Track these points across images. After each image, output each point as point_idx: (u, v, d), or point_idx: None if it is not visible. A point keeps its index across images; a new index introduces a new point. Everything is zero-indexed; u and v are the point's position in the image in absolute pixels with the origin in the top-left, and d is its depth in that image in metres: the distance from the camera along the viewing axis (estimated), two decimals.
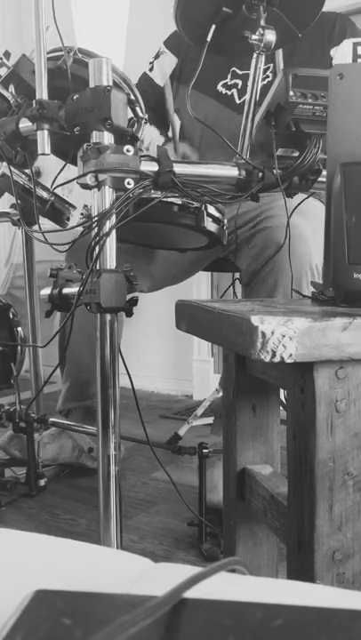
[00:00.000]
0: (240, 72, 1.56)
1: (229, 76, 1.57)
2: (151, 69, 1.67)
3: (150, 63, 1.68)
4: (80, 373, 1.60)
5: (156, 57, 1.67)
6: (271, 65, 1.44)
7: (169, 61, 1.64)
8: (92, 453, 1.61)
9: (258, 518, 0.80)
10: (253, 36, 1.14)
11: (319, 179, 1.02)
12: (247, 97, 1.24)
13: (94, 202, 0.93)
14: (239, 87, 1.56)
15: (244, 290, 1.39)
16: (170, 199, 1.08)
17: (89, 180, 0.91)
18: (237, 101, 1.56)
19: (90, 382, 1.61)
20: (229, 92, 1.57)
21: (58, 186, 1.08)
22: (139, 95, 1.07)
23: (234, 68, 1.56)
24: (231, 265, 1.55)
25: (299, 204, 1.10)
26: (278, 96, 0.93)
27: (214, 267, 1.75)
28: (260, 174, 1.01)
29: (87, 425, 1.62)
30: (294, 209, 1.06)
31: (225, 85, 1.58)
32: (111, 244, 0.93)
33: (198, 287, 2.52)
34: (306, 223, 1.24)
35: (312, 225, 1.28)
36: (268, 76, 1.47)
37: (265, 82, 1.33)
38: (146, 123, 1.11)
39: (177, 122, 1.62)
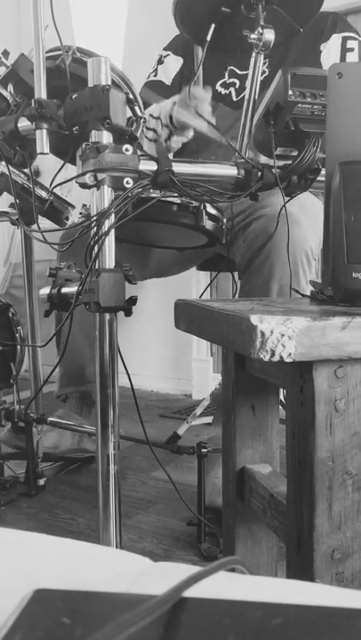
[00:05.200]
0: (239, 72, 1.56)
1: (227, 75, 1.57)
2: (155, 74, 1.66)
3: (154, 70, 1.67)
4: (74, 358, 1.60)
5: (160, 62, 1.67)
6: (268, 60, 1.44)
7: (175, 61, 1.64)
8: (92, 437, 1.61)
9: (257, 517, 0.80)
10: (252, 35, 1.14)
11: (318, 178, 1.02)
12: (246, 96, 1.24)
13: (93, 201, 0.93)
14: (237, 86, 1.56)
15: (240, 278, 1.39)
16: (169, 198, 1.08)
17: (88, 179, 0.91)
18: (235, 99, 1.56)
19: (84, 367, 1.61)
20: (227, 91, 1.57)
21: (57, 185, 1.08)
22: (137, 94, 1.07)
23: (232, 67, 1.57)
24: (226, 264, 1.55)
25: (294, 196, 1.10)
26: (277, 95, 0.93)
27: (210, 266, 1.74)
28: (260, 173, 1.01)
29: (85, 411, 1.63)
30: (290, 199, 1.06)
31: (223, 84, 1.58)
32: (110, 243, 0.93)
33: (198, 286, 2.52)
34: (300, 209, 1.24)
35: (307, 212, 1.27)
36: (265, 72, 1.47)
37: (262, 77, 1.33)
38: (145, 122, 1.11)
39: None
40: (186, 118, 1.35)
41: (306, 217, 1.26)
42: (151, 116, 1.47)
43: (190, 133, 1.45)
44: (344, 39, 1.48)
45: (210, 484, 1.31)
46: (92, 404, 1.65)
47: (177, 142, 1.49)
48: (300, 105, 0.92)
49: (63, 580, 0.29)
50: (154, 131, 1.46)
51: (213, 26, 1.20)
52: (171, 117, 1.42)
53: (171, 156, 1.57)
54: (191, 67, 1.59)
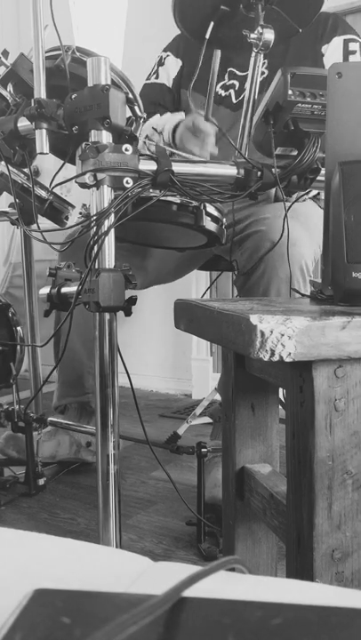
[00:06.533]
0: (238, 73, 1.56)
1: (227, 77, 1.57)
2: (157, 77, 1.66)
3: (154, 72, 1.67)
4: (74, 369, 1.60)
5: (161, 64, 1.67)
6: (267, 60, 1.44)
7: (174, 63, 1.64)
8: (90, 447, 1.61)
9: (257, 517, 0.80)
10: (252, 35, 1.14)
11: (318, 177, 1.02)
12: (246, 96, 1.24)
13: (93, 201, 0.93)
14: (236, 88, 1.56)
15: (239, 293, 1.39)
16: (169, 198, 1.08)
17: (87, 179, 0.91)
18: (234, 101, 1.56)
19: (83, 377, 1.60)
20: (226, 93, 1.57)
21: (56, 185, 1.08)
22: (137, 94, 1.07)
23: (231, 69, 1.57)
24: (226, 263, 1.55)
25: (293, 203, 1.10)
26: (277, 95, 0.93)
27: (209, 265, 1.75)
28: (259, 173, 1.01)
29: (83, 421, 1.62)
30: (289, 207, 1.06)
31: (223, 87, 1.58)
32: (110, 243, 0.93)
33: (197, 286, 2.52)
34: (297, 225, 1.25)
35: (304, 226, 1.28)
36: (263, 72, 1.47)
37: (261, 77, 1.33)
38: (145, 122, 1.11)
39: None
40: (190, 146, 1.36)
41: (305, 234, 1.27)
42: (155, 129, 1.47)
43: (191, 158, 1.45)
44: (346, 42, 1.48)
45: (211, 480, 1.31)
46: (90, 414, 1.64)
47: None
48: (299, 105, 0.92)
49: (63, 580, 0.29)
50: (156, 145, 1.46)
51: (212, 23, 1.20)
52: (174, 137, 1.43)
53: (164, 148, 1.58)
54: (191, 68, 1.58)
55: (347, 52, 1.47)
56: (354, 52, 1.47)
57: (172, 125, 1.44)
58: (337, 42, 1.49)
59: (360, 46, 1.47)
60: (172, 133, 1.44)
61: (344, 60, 1.47)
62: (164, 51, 1.67)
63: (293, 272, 1.23)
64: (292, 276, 1.20)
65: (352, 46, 1.47)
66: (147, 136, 1.47)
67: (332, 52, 1.49)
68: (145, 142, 1.35)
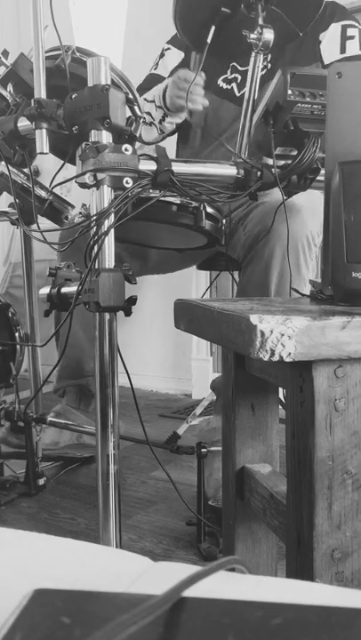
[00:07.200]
0: (240, 68, 1.56)
1: (229, 71, 1.58)
2: (156, 68, 1.67)
3: (155, 64, 1.68)
4: (73, 352, 1.61)
5: (161, 56, 1.67)
6: (269, 56, 1.43)
7: (176, 55, 1.64)
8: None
9: (257, 517, 0.80)
10: (252, 35, 1.14)
11: (318, 177, 1.02)
12: (246, 96, 1.24)
13: (93, 201, 0.93)
14: (238, 81, 1.56)
15: (240, 271, 1.38)
16: (168, 198, 1.08)
17: (87, 179, 0.91)
18: (237, 94, 1.56)
19: (83, 361, 1.62)
20: (229, 86, 1.57)
21: (56, 185, 1.08)
22: (137, 94, 1.07)
23: (234, 64, 1.57)
24: (226, 263, 1.55)
25: (286, 199, 1.10)
26: (277, 95, 0.93)
27: (209, 265, 1.75)
28: (259, 173, 1.01)
29: (83, 404, 1.64)
30: (282, 202, 1.06)
31: (225, 80, 1.58)
32: (110, 243, 0.93)
33: (197, 286, 2.52)
34: (301, 196, 1.23)
35: (309, 200, 1.26)
36: (266, 67, 1.47)
37: (263, 72, 1.33)
38: (145, 122, 1.11)
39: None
40: (180, 101, 1.35)
41: (306, 204, 1.26)
42: (145, 99, 1.47)
43: (184, 114, 1.45)
44: (344, 27, 1.46)
45: (212, 479, 1.31)
46: (90, 398, 1.66)
47: (171, 123, 1.49)
48: (299, 104, 0.92)
49: (63, 580, 0.29)
50: (149, 114, 1.46)
51: (214, 28, 1.20)
52: (164, 99, 1.43)
53: (164, 148, 1.57)
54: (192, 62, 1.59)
55: (345, 38, 1.45)
56: (352, 38, 1.44)
57: (161, 88, 1.45)
58: (334, 28, 1.47)
59: (359, 32, 1.46)
60: (162, 95, 1.44)
61: (342, 46, 1.45)
62: (167, 43, 1.68)
63: (300, 242, 1.22)
64: (298, 243, 1.18)
65: (350, 32, 1.45)
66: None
67: (329, 37, 1.47)
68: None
